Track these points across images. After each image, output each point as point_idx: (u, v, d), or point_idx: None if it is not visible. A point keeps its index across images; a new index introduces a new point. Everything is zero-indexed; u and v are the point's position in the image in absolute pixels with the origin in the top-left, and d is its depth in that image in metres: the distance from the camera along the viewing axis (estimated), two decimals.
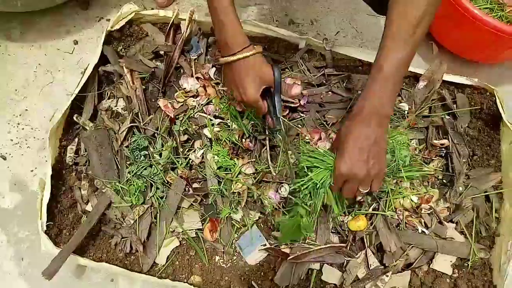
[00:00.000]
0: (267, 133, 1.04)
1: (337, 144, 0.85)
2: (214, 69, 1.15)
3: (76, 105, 1.09)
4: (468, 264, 0.99)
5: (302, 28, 1.34)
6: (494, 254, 1.00)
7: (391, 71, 0.78)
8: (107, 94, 1.13)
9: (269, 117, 0.96)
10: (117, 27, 1.13)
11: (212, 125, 1.08)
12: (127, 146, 1.05)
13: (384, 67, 0.78)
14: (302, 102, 1.12)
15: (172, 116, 1.07)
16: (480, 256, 0.99)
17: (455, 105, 1.17)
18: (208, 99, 1.11)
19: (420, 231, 1.01)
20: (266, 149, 1.06)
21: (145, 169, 1.02)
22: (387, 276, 0.96)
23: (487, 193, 1.06)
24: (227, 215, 1.01)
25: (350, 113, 0.83)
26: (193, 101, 1.10)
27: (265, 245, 0.99)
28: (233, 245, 1.01)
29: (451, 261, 1.00)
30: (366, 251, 0.99)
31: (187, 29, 1.15)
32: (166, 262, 0.99)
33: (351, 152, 0.79)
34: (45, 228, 0.95)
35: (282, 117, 0.94)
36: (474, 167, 1.11)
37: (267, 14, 1.37)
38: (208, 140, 1.07)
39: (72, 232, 1.00)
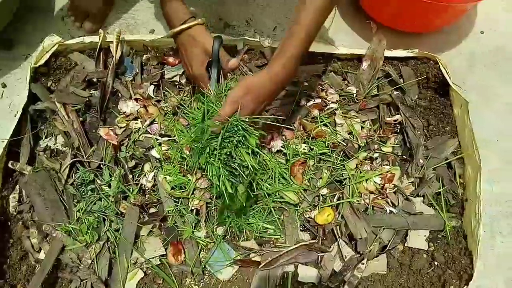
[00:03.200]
0: None
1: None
2: (152, 86, 1.11)
3: (13, 151, 1.03)
4: (442, 235, 0.98)
5: (238, 29, 1.31)
6: (465, 220, 0.98)
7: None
8: (44, 133, 1.06)
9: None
10: (42, 62, 1.07)
11: (159, 144, 1.03)
12: (72, 184, 0.99)
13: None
14: None
15: (116, 143, 1.02)
16: (452, 225, 0.97)
17: (401, 79, 1.16)
18: (151, 118, 1.06)
19: (388, 211, 0.98)
20: None
21: (95, 203, 0.96)
22: (363, 263, 0.93)
23: (448, 161, 1.05)
24: (190, 235, 0.96)
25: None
26: (136, 123, 1.05)
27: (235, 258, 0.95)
28: (202, 264, 0.96)
29: (425, 236, 0.98)
30: (338, 243, 0.96)
31: (116, 51, 1.10)
32: None
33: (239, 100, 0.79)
34: None
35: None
36: (431, 136, 1.10)
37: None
38: (157, 161, 1.02)
39: (26, 286, 0.92)
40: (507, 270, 0.98)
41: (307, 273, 0.94)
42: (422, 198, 1.01)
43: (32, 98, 1.06)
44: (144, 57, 1.15)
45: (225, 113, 0.77)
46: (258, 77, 0.81)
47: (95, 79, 1.10)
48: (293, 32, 0.82)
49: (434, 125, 1.11)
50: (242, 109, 0.78)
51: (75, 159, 1.00)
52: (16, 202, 0.99)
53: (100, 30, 1.11)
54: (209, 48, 0.91)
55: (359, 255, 0.95)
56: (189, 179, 0.99)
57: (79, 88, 1.07)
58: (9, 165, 0.98)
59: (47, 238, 0.96)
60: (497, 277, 0.98)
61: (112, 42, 1.11)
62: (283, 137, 1.05)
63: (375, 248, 0.95)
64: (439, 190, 1.01)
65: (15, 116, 1.03)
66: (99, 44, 1.10)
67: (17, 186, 1.00)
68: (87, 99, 1.06)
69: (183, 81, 1.13)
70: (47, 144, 1.05)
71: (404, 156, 1.07)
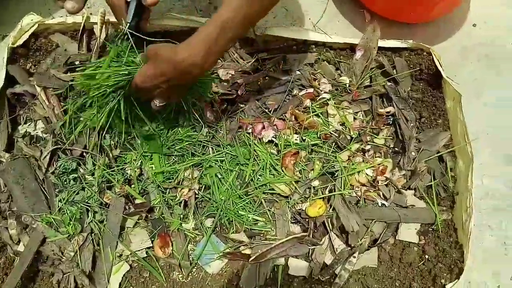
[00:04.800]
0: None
1: (151, 54, 0.79)
2: None
3: None
4: (433, 228, 0.97)
5: None
6: (456, 213, 0.98)
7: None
8: (23, 118, 1.01)
9: None
10: (20, 42, 1.00)
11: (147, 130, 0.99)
12: (53, 172, 0.94)
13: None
14: (239, 92, 1.06)
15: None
16: (443, 218, 0.97)
17: (394, 70, 1.14)
18: None
19: (380, 204, 0.97)
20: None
21: (77, 193, 0.92)
22: (355, 257, 0.92)
23: (440, 154, 1.04)
24: (177, 227, 0.93)
25: (176, 47, 0.77)
26: None
27: (224, 250, 0.92)
28: (190, 257, 0.93)
29: (415, 229, 0.97)
30: (329, 236, 0.95)
31: (101, 33, 1.04)
32: None
33: (151, 75, 0.79)
34: None
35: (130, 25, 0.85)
36: (423, 129, 1.08)
37: (190, 4, 1.29)
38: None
39: (5, 279, 0.88)
40: (496, 264, 0.99)
41: (298, 266, 0.92)
42: (413, 191, 1.00)
43: (10, 80, 1.00)
44: None
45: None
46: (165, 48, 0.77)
47: (77, 62, 1.04)
48: (214, 14, 0.75)
49: (426, 117, 1.10)
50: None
51: (56, 146, 0.95)
52: None
53: (84, 10, 1.05)
54: None
55: (350, 248, 0.94)
56: (177, 169, 0.95)
57: (60, 71, 1.01)
58: None
59: (27, 229, 0.92)
60: (486, 271, 0.98)
61: (96, 23, 1.05)
62: (275, 127, 1.02)
63: (366, 241, 0.94)
64: (431, 183, 1.01)
65: None
66: (82, 25, 1.04)
67: None
68: (69, 83, 1.00)
69: None
70: (26, 130, 0.99)
71: (396, 149, 1.05)
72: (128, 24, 0.84)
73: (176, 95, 0.87)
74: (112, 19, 1.06)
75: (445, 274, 0.90)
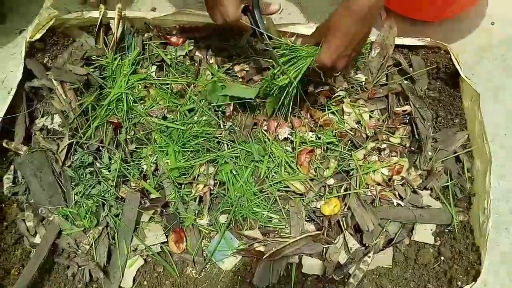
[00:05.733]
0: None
1: (324, 32, 0.81)
2: (155, 67, 1.06)
3: (7, 130, 0.98)
4: (449, 230, 0.96)
5: None
6: (472, 215, 0.97)
7: None
8: (40, 112, 1.01)
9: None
10: (38, 36, 1.01)
11: (163, 129, 0.99)
12: (69, 166, 0.95)
13: None
14: None
15: (116, 122, 0.98)
16: (459, 219, 0.96)
17: (411, 69, 1.13)
18: (153, 100, 1.02)
19: (395, 204, 0.96)
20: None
21: (94, 187, 0.93)
22: (369, 256, 0.91)
23: (456, 154, 1.03)
24: (192, 223, 0.93)
25: (345, 3, 0.77)
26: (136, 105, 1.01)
27: (238, 247, 0.92)
28: (204, 253, 0.93)
29: (431, 230, 0.96)
30: (344, 235, 0.94)
31: (118, 28, 1.05)
32: (133, 284, 0.90)
33: (339, 47, 0.80)
34: None
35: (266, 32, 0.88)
36: (440, 129, 1.07)
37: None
38: (159, 145, 0.98)
39: (21, 270, 0.89)
40: None
41: (312, 265, 0.92)
42: (429, 191, 0.99)
43: (27, 74, 1.01)
44: (146, 35, 1.10)
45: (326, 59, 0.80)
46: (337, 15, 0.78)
47: (94, 57, 1.04)
48: None
49: (443, 117, 1.09)
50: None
51: (73, 140, 0.96)
52: (11, 183, 0.95)
53: (101, 5, 1.05)
54: None
55: (364, 247, 0.93)
56: (193, 165, 0.95)
57: (77, 65, 1.02)
58: (3, 144, 0.94)
59: (43, 222, 0.93)
60: (502, 274, 0.97)
61: (113, 18, 1.05)
62: (290, 124, 1.01)
63: (381, 241, 0.93)
64: (447, 184, 0.99)
65: (9, 93, 0.99)
66: (99, 19, 1.05)
67: (12, 167, 0.96)
68: (86, 78, 1.01)
69: (187, 62, 1.08)
70: (43, 123, 1.00)
71: (412, 148, 1.04)
72: (262, 34, 0.87)
73: (358, 51, 0.87)
74: (129, 14, 1.07)
75: (461, 276, 0.89)
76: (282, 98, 0.93)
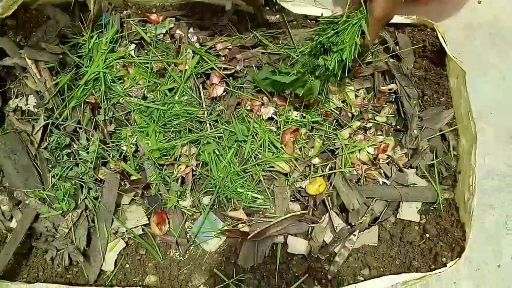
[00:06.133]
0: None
1: None
2: (133, 45, 1.02)
3: None
4: (434, 207, 0.96)
5: None
6: (457, 192, 0.96)
7: None
8: (13, 92, 0.97)
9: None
10: (9, 13, 0.97)
11: (143, 109, 0.96)
12: (45, 148, 0.91)
13: None
14: (238, 68, 1.02)
15: (93, 102, 0.94)
16: (444, 197, 0.95)
17: (397, 47, 1.11)
18: (132, 79, 0.98)
19: (381, 182, 0.95)
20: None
21: (71, 169, 0.90)
22: (355, 235, 0.90)
23: (442, 132, 1.02)
24: (174, 204, 0.91)
25: None
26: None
27: (222, 228, 0.91)
28: (187, 234, 0.91)
29: (416, 208, 0.95)
30: (329, 214, 0.93)
31: (94, 5, 1.00)
32: (115, 267, 0.88)
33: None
34: None
35: None
36: (426, 107, 1.06)
37: None
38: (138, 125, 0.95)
39: None
40: (496, 244, 0.98)
41: (297, 244, 0.91)
42: (415, 170, 0.98)
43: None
44: (124, 13, 1.06)
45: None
46: None
47: (70, 35, 1.00)
48: None
49: (429, 95, 1.08)
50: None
51: (48, 121, 0.92)
52: None
53: None
54: None
55: (350, 226, 0.92)
56: (174, 146, 0.93)
57: (52, 43, 0.97)
58: None
59: (19, 206, 0.90)
60: (486, 250, 0.97)
61: None
62: (275, 103, 0.99)
63: (367, 219, 0.93)
64: (433, 162, 0.99)
65: None
66: None
67: None
68: (61, 56, 0.97)
69: (168, 40, 1.05)
70: (17, 104, 0.96)
71: (398, 127, 1.03)
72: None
73: None
74: None
75: (446, 253, 0.89)
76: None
